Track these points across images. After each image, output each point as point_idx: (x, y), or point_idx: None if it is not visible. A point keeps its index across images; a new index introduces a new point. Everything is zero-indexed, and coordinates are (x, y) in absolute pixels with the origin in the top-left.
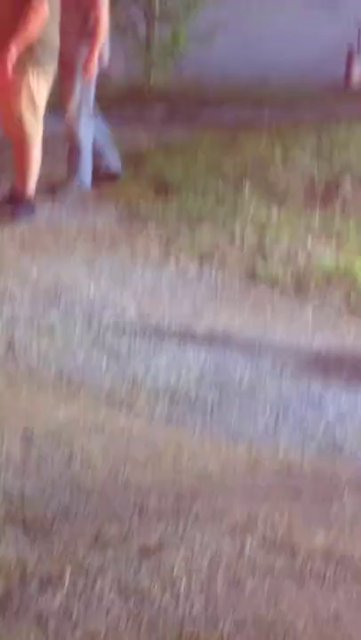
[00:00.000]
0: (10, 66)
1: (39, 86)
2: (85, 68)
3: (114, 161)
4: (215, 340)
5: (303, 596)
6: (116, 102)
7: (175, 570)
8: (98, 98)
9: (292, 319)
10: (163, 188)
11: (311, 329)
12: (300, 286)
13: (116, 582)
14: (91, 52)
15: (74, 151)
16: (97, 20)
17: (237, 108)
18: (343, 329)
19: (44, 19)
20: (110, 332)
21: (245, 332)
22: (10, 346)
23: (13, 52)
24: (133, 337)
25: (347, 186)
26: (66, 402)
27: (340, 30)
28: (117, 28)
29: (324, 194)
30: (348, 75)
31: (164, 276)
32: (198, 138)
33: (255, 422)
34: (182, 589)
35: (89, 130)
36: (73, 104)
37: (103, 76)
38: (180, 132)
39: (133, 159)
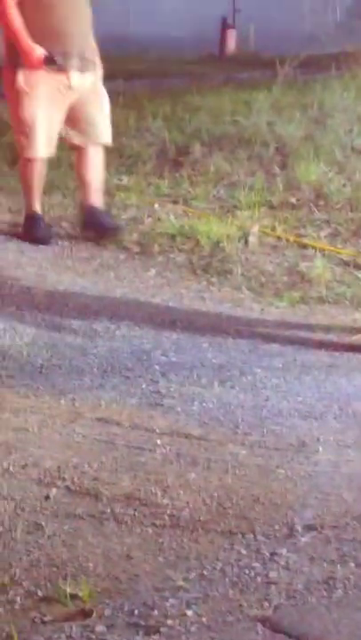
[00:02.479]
0: None
1: None
2: None
3: None
4: (54, 303)
5: (99, 537)
6: None
7: None
8: None
9: (134, 280)
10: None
11: (152, 289)
12: (144, 249)
13: None
14: None
15: None
16: None
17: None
18: (182, 288)
19: None
20: None
21: (85, 295)
22: None
23: None
24: None
25: (196, 151)
26: None
27: (215, 6)
28: None
29: (175, 159)
30: (222, 44)
31: (12, 242)
32: None
33: (81, 379)
34: None
35: None
36: None
37: None
38: None
39: None
